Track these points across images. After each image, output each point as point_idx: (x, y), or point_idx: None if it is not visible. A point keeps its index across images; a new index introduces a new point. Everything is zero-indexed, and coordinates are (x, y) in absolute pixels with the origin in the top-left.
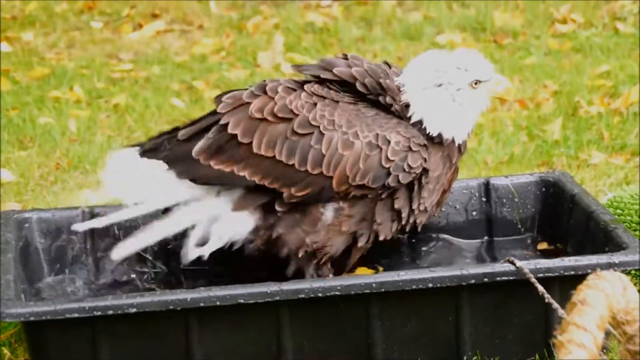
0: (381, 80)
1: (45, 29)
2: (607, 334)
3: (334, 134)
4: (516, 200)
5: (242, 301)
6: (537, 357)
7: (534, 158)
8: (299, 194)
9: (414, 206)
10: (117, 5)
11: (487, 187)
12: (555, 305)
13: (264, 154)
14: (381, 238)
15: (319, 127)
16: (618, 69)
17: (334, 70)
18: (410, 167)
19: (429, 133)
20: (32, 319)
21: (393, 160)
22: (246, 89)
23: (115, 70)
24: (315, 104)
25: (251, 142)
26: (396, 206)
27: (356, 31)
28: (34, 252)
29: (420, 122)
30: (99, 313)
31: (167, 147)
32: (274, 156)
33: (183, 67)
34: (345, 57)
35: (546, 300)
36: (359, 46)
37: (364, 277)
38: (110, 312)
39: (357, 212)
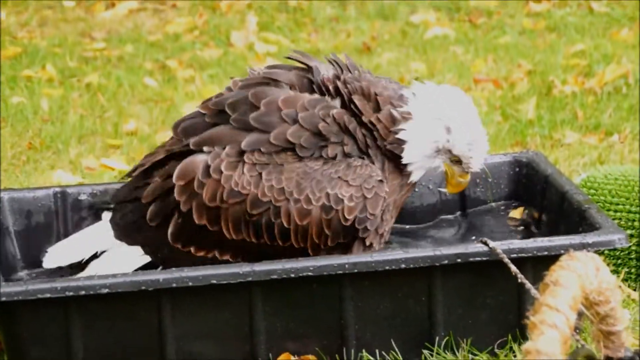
0: (321, 122)
1: (17, 8)
2: (580, 314)
3: (288, 205)
4: (490, 180)
5: (214, 282)
6: (509, 337)
7: (507, 138)
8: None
9: (381, 233)
10: None
11: None
12: (528, 285)
13: (235, 237)
14: None
15: (270, 201)
16: (592, 48)
17: (271, 137)
18: (372, 214)
19: (400, 159)
20: (4, 299)
21: (350, 219)
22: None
23: (87, 49)
24: (260, 175)
25: (221, 229)
26: (367, 243)
27: (330, 10)
28: (5, 232)
29: (398, 142)
30: (71, 293)
31: (133, 225)
32: (244, 239)
33: (156, 46)
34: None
35: (519, 281)
36: (333, 25)
37: (337, 258)
38: (83, 292)
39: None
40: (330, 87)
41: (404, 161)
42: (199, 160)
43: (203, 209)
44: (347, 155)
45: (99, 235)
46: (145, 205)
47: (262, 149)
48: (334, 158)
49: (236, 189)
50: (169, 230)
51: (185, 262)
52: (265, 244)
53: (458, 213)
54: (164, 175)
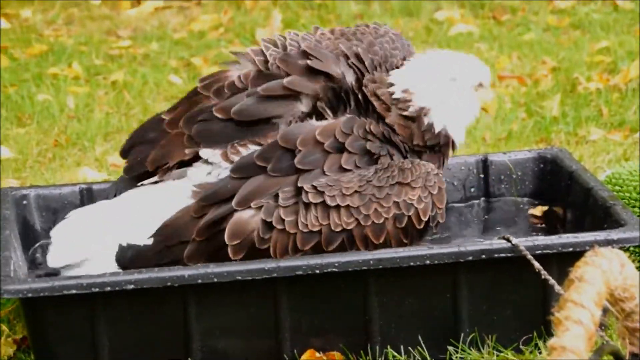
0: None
1: (43, 6)
2: (605, 310)
3: (361, 230)
4: (514, 176)
5: (239, 278)
6: (534, 334)
7: (532, 134)
8: None
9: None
10: None
11: (485, 163)
12: (552, 281)
13: None
14: None
15: (343, 229)
16: (617, 45)
17: (325, 169)
18: (440, 208)
19: (431, 129)
20: (30, 295)
21: (425, 220)
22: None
23: (113, 47)
24: (324, 202)
25: None
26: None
27: (354, 7)
28: (31, 228)
29: (424, 112)
30: (97, 289)
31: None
32: None
33: (181, 44)
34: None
35: (543, 277)
36: (357, 22)
37: (362, 254)
38: (108, 288)
39: None
40: (357, 97)
41: (438, 128)
42: (247, 215)
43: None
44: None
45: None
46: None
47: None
48: (387, 167)
49: (306, 231)
50: None
51: None
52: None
53: (482, 199)
54: (202, 233)
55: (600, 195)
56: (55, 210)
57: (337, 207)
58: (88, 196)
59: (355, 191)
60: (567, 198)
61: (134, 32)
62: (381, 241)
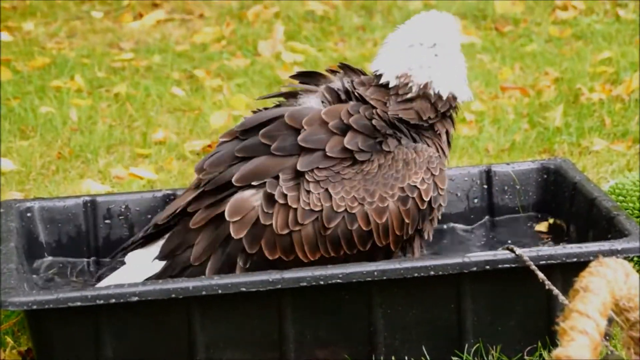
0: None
1: (45, 19)
2: (610, 320)
3: (363, 208)
4: (518, 187)
5: (244, 289)
6: (539, 344)
7: (535, 145)
8: None
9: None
10: None
11: (488, 174)
12: (556, 291)
13: (313, 258)
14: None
15: (345, 210)
16: (619, 55)
17: (327, 151)
18: (442, 189)
19: (440, 97)
20: (34, 307)
21: (427, 200)
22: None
23: (116, 60)
24: (328, 192)
25: (297, 256)
26: (425, 237)
27: (357, 19)
28: (35, 241)
29: (428, 86)
30: (102, 301)
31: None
32: (322, 255)
33: (184, 56)
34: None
35: (547, 287)
36: (360, 34)
37: (366, 265)
38: (113, 300)
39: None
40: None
41: (445, 94)
42: (248, 194)
43: (275, 240)
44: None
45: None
46: (199, 267)
47: (320, 166)
48: (387, 153)
49: (307, 208)
50: None
51: None
52: (345, 254)
53: (486, 218)
54: (199, 221)
55: (604, 206)
56: (60, 222)
57: (342, 197)
58: (92, 208)
59: (362, 187)
60: (570, 209)
61: (137, 44)
62: (384, 220)
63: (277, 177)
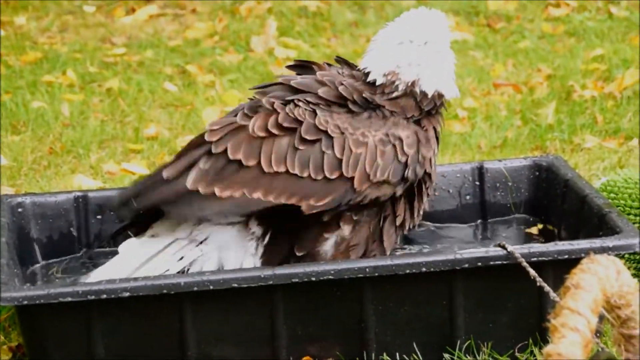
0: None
1: (37, 13)
2: (601, 317)
3: (343, 137)
4: (510, 184)
5: (235, 285)
6: (530, 341)
7: (527, 142)
8: (319, 203)
9: (415, 214)
10: None
11: (480, 171)
12: (547, 288)
13: (276, 170)
14: (387, 250)
15: (326, 131)
16: (612, 52)
17: (319, 92)
18: (423, 157)
19: (425, 96)
20: (25, 302)
21: (408, 154)
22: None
23: (108, 55)
24: (314, 112)
25: (259, 163)
26: (397, 222)
27: (349, 15)
28: (27, 236)
29: (414, 84)
30: (93, 297)
31: (152, 190)
32: (287, 170)
33: (176, 51)
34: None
35: (538, 284)
36: (352, 30)
37: (358, 262)
38: (104, 296)
39: (359, 239)
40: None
41: (431, 92)
42: (231, 116)
43: (243, 141)
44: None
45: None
46: (164, 168)
47: (310, 99)
48: (379, 109)
49: (292, 116)
50: (190, 177)
51: (206, 209)
52: (309, 176)
53: (478, 211)
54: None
55: (595, 203)
56: (51, 218)
57: (326, 120)
58: (83, 204)
59: (350, 123)
60: (562, 206)
61: (129, 39)
62: (358, 151)
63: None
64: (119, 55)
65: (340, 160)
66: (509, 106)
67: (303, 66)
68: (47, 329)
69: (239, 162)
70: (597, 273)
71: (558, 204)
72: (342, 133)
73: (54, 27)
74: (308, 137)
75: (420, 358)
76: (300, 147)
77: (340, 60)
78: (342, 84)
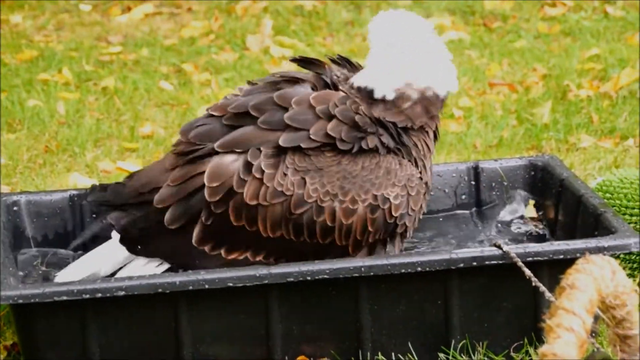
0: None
1: (33, 11)
2: (596, 318)
3: (332, 205)
4: (505, 184)
5: (231, 284)
6: (525, 341)
7: (523, 142)
8: (318, 259)
9: (415, 223)
10: None
11: (476, 170)
12: (543, 288)
13: (272, 235)
14: None
15: (315, 201)
16: (607, 52)
17: (310, 133)
18: (413, 209)
19: (438, 98)
20: (20, 301)
21: (397, 216)
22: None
23: (104, 53)
24: (304, 180)
25: (258, 229)
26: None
27: (345, 14)
28: (22, 234)
29: (426, 92)
30: (88, 296)
31: (146, 232)
32: (282, 235)
33: (172, 50)
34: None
35: (534, 284)
36: (348, 29)
37: (353, 261)
38: (99, 295)
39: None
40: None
41: (442, 94)
42: (229, 160)
43: (242, 208)
44: (384, 146)
45: (112, 253)
46: (161, 210)
47: (302, 145)
48: (374, 149)
49: (280, 189)
50: (195, 234)
51: (211, 265)
52: (304, 241)
53: (473, 211)
54: (178, 179)
55: (591, 203)
56: (46, 216)
57: (315, 189)
58: (79, 202)
59: (338, 183)
60: (558, 205)
61: (125, 38)
62: (349, 222)
63: (259, 149)
64: (115, 54)
65: (333, 227)
66: (505, 106)
67: (306, 61)
68: (42, 327)
69: (242, 226)
70: (592, 273)
71: (554, 204)
72: (332, 200)
73: (49, 25)
74: (298, 211)
75: (416, 358)
76: (293, 217)
77: (342, 60)
78: (334, 117)
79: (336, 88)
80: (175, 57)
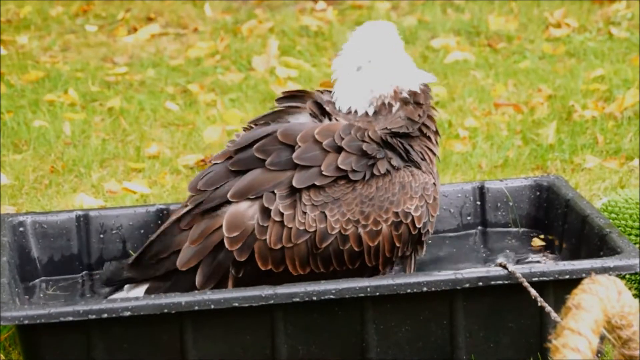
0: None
1: (40, 32)
2: (602, 338)
3: (357, 231)
4: (510, 204)
5: (236, 305)
6: None
7: (528, 162)
8: None
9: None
10: (112, 8)
11: (481, 190)
12: (549, 308)
13: (302, 272)
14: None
15: (339, 231)
16: (612, 73)
17: (322, 169)
18: (433, 215)
19: (411, 91)
20: (26, 322)
21: (419, 226)
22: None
23: (110, 74)
24: (324, 213)
25: (287, 268)
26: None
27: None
28: (28, 255)
29: (397, 93)
30: (94, 316)
31: None
32: (311, 270)
33: (178, 71)
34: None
35: (539, 304)
36: None
37: (359, 281)
38: (105, 315)
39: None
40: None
41: (412, 86)
42: (244, 207)
43: (267, 253)
44: (395, 169)
45: None
46: (186, 274)
47: (316, 183)
48: (386, 174)
49: (302, 228)
50: (229, 287)
51: None
52: (334, 270)
53: (479, 231)
54: (198, 238)
55: (596, 223)
56: (52, 237)
57: (337, 219)
58: (85, 223)
59: (358, 209)
60: (563, 226)
61: (131, 58)
62: (375, 244)
63: (272, 192)
64: (121, 75)
65: (361, 252)
66: (510, 126)
67: (293, 96)
68: (48, 348)
69: (270, 270)
70: (598, 293)
71: (559, 224)
72: (355, 226)
73: (55, 46)
74: (323, 245)
75: None
76: (319, 251)
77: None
78: (342, 149)
79: (328, 114)
80: (181, 78)
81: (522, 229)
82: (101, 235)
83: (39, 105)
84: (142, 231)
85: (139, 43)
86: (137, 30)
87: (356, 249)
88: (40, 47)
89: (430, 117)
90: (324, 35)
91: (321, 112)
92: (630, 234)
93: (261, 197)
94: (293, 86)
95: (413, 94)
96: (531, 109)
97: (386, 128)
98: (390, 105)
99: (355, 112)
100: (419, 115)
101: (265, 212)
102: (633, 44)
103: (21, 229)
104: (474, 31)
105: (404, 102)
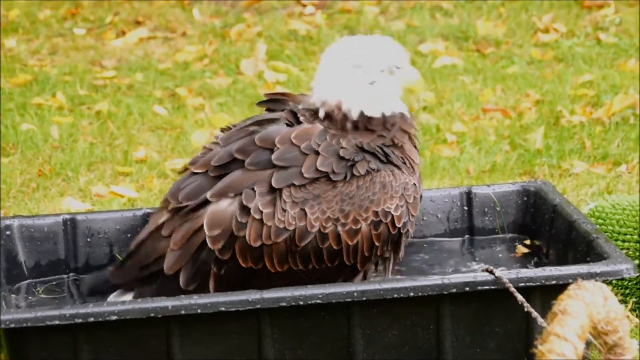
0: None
1: (28, 36)
2: (588, 343)
3: (336, 229)
4: (498, 209)
5: (223, 309)
6: None
7: (516, 167)
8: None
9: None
10: (100, 12)
11: (468, 196)
12: (535, 314)
13: (281, 269)
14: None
15: (319, 229)
16: (600, 78)
17: (303, 171)
18: (413, 215)
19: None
20: (12, 325)
21: (399, 226)
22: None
23: (98, 77)
24: (304, 210)
25: (264, 266)
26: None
27: (339, 39)
28: (14, 259)
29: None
30: (80, 320)
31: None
32: (289, 267)
33: (166, 74)
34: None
35: (526, 310)
36: None
37: (346, 286)
38: (91, 319)
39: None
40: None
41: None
42: (224, 205)
43: (247, 250)
44: (374, 170)
45: None
46: (172, 277)
47: (295, 182)
48: (366, 174)
49: (282, 226)
50: (210, 285)
51: None
52: (313, 268)
53: (466, 237)
54: (180, 241)
55: (583, 229)
56: (39, 241)
57: (317, 217)
58: (72, 226)
59: (337, 207)
60: (550, 231)
61: (119, 62)
62: (354, 242)
63: (252, 189)
64: (109, 78)
65: (339, 250)
66: (498, 131)
67: (275, 100)
68: (34, 352)
69: (250, 267)
70: (584, 299)
71: (546, 230)
72: (335, 224)
73: (43, 49)
74: (303, 243)
75: None
76: (298, 249)
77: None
78: (318, 154)
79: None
80: (169, 82)
81: (509, 235)
82: (88, 239)
83: (26, 108)
84: (129, 235)
85: (127, 47)
86: (126, 34)
87: (335, 248)
88: (28, 50)
89: (403, 130)
90: (313, 39)
91: (297, 122)
92: (617, 240)
93: (241, 194)
94: (281, 90)
95: (367, 118)
96: (519, 114)
97: (359, 140)
98: (341, 118)
99: (326, 116)
100: (368, 144)
101: (244, 209)
102: (621, 50)
103: (8, 232)
104: (463, 36)
105: (352, 122)
